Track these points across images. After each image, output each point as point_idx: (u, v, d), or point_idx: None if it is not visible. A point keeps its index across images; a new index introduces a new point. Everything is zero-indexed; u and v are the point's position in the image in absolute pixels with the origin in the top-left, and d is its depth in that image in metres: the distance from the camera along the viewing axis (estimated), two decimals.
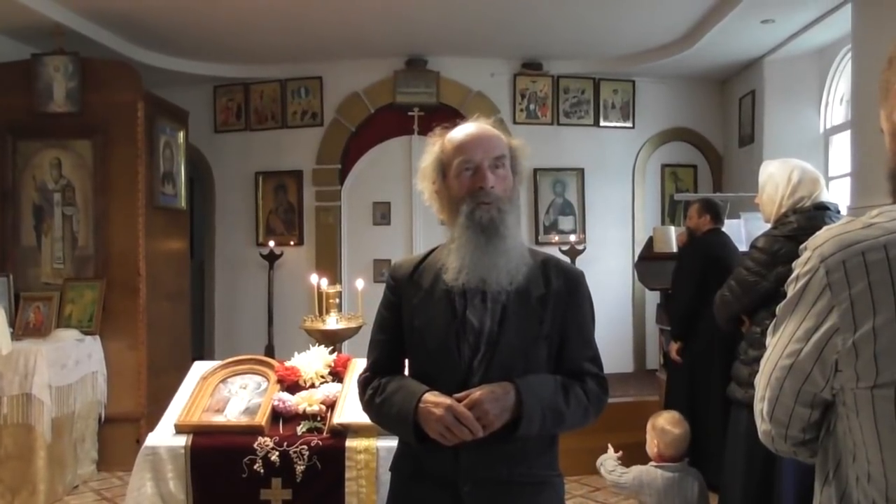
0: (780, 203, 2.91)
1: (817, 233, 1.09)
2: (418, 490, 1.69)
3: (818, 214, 2.80)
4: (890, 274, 0.98)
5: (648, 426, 3.12)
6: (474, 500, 1.61)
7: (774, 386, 1.11)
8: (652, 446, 3.07)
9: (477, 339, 1.64)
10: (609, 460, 3.09)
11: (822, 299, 1.03)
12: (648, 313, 6.97)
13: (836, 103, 5.95)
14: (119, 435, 4.97)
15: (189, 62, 6.61)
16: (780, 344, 1.10)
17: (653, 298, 6.48)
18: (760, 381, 1.15)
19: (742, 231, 5.12)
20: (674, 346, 4.61)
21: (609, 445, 3.16)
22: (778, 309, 1.13)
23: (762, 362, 1.15)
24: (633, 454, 3.29)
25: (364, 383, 1.77)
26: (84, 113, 5.12)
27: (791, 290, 1.09)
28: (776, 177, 2.93)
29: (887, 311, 0.98)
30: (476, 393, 1.57)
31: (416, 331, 1.69)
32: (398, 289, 1.75)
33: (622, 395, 5.99)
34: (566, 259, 6.35)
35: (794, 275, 1.09)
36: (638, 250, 6.31)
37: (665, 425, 3.05)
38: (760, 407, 1.16)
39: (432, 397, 1.59)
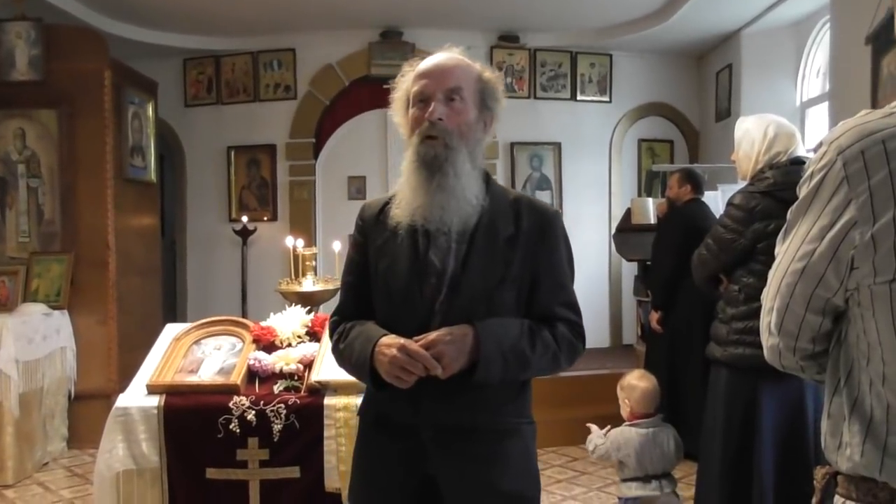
0: (757, 159, 2.87)
1: (834, 127, 1.03)
2: (382, 436, 1.64)
3: (795, 169, 2.76)
4: None
5: (618, 389, 3.10)
6: (435, 447, 1.56)
7: (784, 293, 1.06)
8: (624, 407, 3.06)
9: (439, 280, 1.57)
10: (593, 440, 3.05)
11: (838, 194, 0.98)
12: (625, 288, 6.97)
13: (813, 76, 5.96)
14: (90, 411, 4.84)
15: (157, 33, 6.42)
16: (792, 247, 1.05)
17: (629, 273, 6.49)
18: (768, 292, 1.10)
19: (720, 203, 5.11)
20: (654, 316, 4.60)
21: (591, 426, 3.11)
22: (789, 212, 1.07)
23: (770, 273, 1.10)
24: (612, 425, 3.28)
25: (332, 328, 1.72)
26: (48, 81, 4.96)
27: (804, 189, 1.04)
28: (752, 132, 2.89)
29: None
30: (432, 335, 1.50)
31: (380, 273, 1.62)
32: (365, 229, 1.68)
33: (599, 368, 6.00)
34: None
35: (807, 173, 1.04)
36: (614, 225, 6.30)
37: (631, 381, 3.05)
38: (768, 320, 1.11)
39: (387, 340, 1.53)
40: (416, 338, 1.51)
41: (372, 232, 1.66)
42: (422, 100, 1.58)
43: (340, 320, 1.70)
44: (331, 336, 1.72)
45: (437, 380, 1.49)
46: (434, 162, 1.55)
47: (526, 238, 1.60)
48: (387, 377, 1.52)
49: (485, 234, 1.58)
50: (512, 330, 1.56)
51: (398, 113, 1.66)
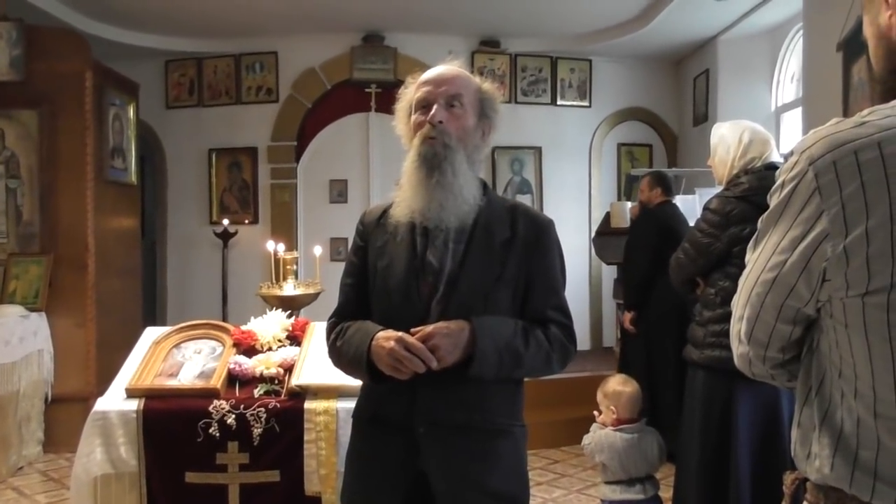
0: (732, 164, 2.92)
1: (805, 136, 1.01)
2: (375, 434, 1.67)
3: (769, 174, 2.81)
4: (885, 172, 0.91)
5: (599, 396, 3.09)
6: (428, 443, 1.60)
7: (755, 303, 1.05)
8: (608, 413, 3.05)
9: (436, 279, 1.63)
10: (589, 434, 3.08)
11: (810, 205, 0.96)
12: (605, 291, 7.02)
13: (787, 81, 6.06)
14: (66, 415, 4.80)
15: (139, 35, 6.39)
16: (763, 257, 1.04)
17: (609, 276, 6.54)
18: (738, 301, 1.09)
19: (697, 206, 5.17)
20: (628, 316, 4.65)
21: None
22: (760, 221, 1.06)
23: (740, 281, 1.09)
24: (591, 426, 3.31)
25: (329, 329, 1.75)
26: (29, 82, 4.93)
27: (775, 199, 1.02)
28: (727, 138, 2.95)
29: (881, 213, 0.91)
30: (429, 327, 1.55)
31: (379, 272, 1.68)
32: (366, 233, 1.75)
33: (579, 371, 6.04)
34: None
35: (778, 182, 1.02)
36: (594, 229, 6.35)
37: (616, 387, 3.04)
38: (738, 328, 1.10)
39: (385, 333, 1.58)
40: (413, 330, 1.56)
41: (372, 235, 1.73)
42: (424, 106, 1.65)
43: (338, 321, 1.74)
44: (328, 337, 1.75)
45: (432, 375, 1.54)
46: (434, 160, 1.61)
47: (521, 243, 1.66)
48: (385, 369, 1.56)
49: (482, 235, 1.65)
50: (507, 327, 1.61)
51: (401, 122, 1.73)
